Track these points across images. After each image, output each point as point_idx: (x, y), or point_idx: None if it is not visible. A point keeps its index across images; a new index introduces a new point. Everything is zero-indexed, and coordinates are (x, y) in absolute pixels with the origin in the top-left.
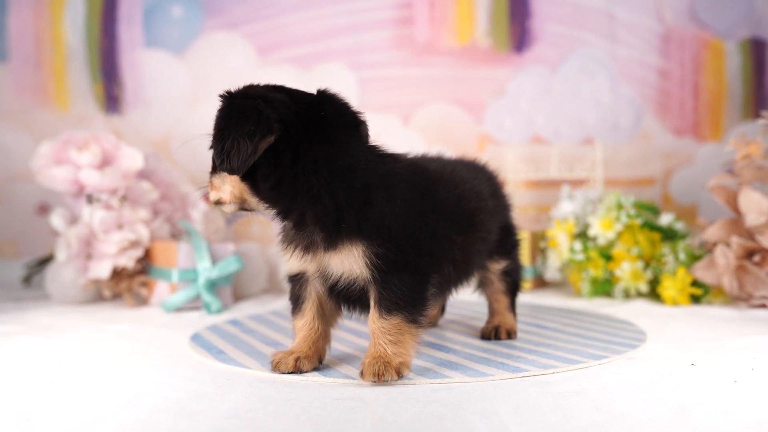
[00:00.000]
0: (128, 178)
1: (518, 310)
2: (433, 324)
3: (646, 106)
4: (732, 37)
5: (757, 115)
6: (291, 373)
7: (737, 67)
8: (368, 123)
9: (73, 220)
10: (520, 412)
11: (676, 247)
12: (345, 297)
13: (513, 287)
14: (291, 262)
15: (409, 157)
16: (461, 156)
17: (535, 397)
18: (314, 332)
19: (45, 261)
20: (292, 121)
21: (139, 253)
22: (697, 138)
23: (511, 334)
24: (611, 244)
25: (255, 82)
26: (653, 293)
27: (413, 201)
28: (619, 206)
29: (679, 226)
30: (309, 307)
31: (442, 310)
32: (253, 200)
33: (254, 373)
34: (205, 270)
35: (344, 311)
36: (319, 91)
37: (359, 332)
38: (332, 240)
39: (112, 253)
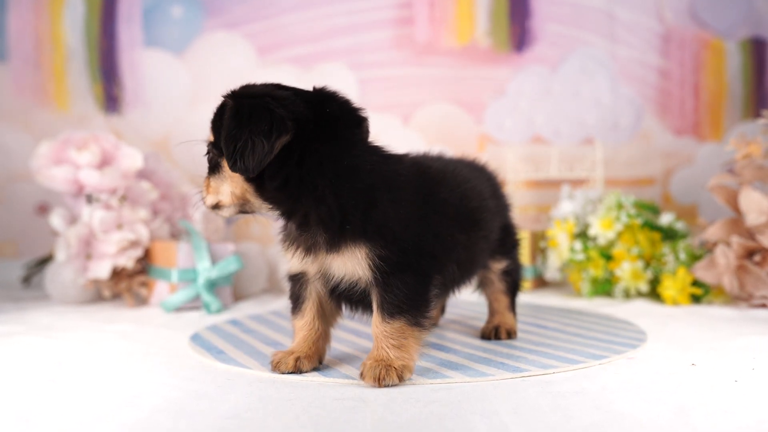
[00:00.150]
0: (128, 178)
1: (518, 310)
2: (434, 324)
3: (646, 106)
4: (732, 36)
5: (757, 114)
6: (291, 373)
7: (737, 66)
8: (369, 119)
9: (73, 220)
10: (520, 412)
11: (677, 247)
12: (346, 298)
13: (513, 287)
14: (292, 262)
15: (410, 156)
16: (461, 156)
17: (535, 397)
18: (314, 332)
19: (45, 261)
20: (304, 119)
21: (138, 253)
22: (697, 138)
23: (511, 334)
24: (611, 244)
25: (252, 82)
26: (653, 293)
27: (416, 202)
28: (620, 206)
29: (680, 225)
30: (309, 307)
31: (443, 309)
32: (256, 201)
33: (254, 373)
34: (205, 270)
35: (346, 311)
36: (316, 89)
37: (359, 332)
38: (335, 242)
39: (112, 253)
